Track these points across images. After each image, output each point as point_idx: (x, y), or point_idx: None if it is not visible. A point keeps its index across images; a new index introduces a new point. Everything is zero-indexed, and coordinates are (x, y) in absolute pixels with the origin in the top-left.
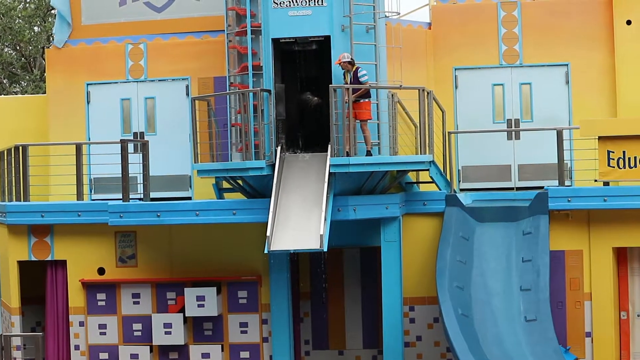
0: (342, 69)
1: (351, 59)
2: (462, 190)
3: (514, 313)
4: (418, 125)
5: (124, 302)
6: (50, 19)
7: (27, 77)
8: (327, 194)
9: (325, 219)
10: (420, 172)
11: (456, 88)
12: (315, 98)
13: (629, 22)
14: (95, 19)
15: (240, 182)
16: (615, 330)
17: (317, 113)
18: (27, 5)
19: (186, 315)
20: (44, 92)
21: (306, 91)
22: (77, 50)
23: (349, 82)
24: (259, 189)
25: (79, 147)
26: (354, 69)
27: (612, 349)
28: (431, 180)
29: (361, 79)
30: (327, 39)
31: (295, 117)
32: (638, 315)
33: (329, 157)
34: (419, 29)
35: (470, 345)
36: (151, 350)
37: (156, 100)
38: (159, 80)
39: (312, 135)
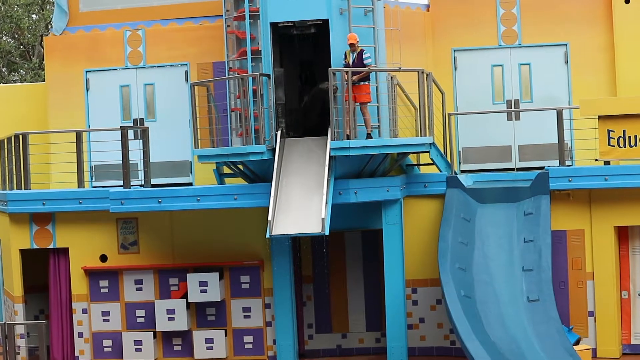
0: (351, 49)
1: (357, 40)
2: (462, 171)
3: (516, 293)
4: (418, 107)
5: (127, 288)
6: (48, 7)
7: (26, 66)
8: (327, 177)
9: (326, 203)
10: (420, 154)
11: (455, 69)
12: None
13: (627, 1)
14: (93, 6)
15: (240, 167)
16: (617, 309)
17: (320, 98)
18: None
19: (189, 301)
20: (43, 80)
21: (309, 72)
22: (75, 37)
23: (350, 63)
24: (259, 174)
25: (79, 135)
26: (359, 50)
27: (614, 328)
28: (432, 162)
29: (365, 62)
30: (325, 22)
31: (296, 101)
32: (639, 295)
33: (329, 140)
34: (417, 11)
35: (473, 326)
36: (154, 337)
37: (155, 86)
38: (158, 67)
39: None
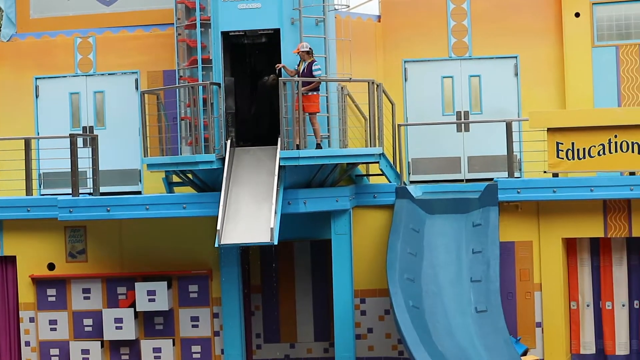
0: (300, 58)
1: (310, 49)
2: (412, 182)
3: (464, 304)
4: (368, 117)
5: (75, 297)
6: None
7: None
8: (277, 187)
9: (275, 213)
10: (370, 164)
11: (405, 81)
12: (272, 76)
13: (577, 15)
14: (44, 13)
15: (190, 175)
16: (566, 320)
17: (270, 107)
18: None
19: (137, 310)
20: None
21: (257, 84)
22: (25, 44)
23: (300, 72)
24: (209, 183)
25: (27, 142)
26: (309, 61)
27: (562, 339)
28: (381, 173)
29: (314, 73)
30: (276, 32)
31: (246, 111)
32: (587, 305)
33: (278, 150)
34: (368, 22)
35: (421, 336)
36: (102, 346)
37: (105, 94)
38: (108, 74)
39: (263, 129)
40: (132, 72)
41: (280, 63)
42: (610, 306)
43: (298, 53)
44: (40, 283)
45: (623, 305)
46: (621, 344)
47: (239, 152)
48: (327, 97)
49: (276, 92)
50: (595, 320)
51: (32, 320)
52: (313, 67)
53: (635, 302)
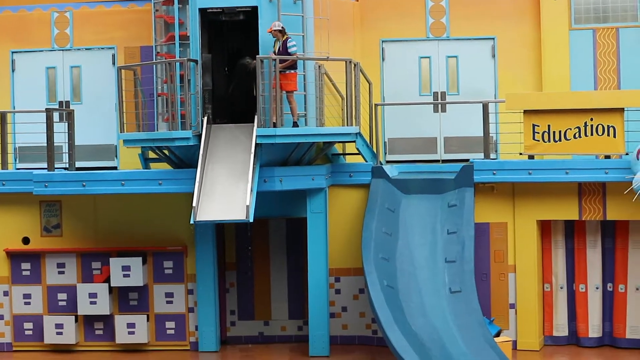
0: (274, 37)
1: (282, 27)
2: (388, 162)
3: (438, 284)
4: (345, 97)
5: (49, 271)
6: None
7: None
8: (253, 164)
9: (251, 190)
10: (346, 143)
11: (383, 60)
12: (254, 61)
13: None
14: None
15: (166, 152)
16: (539, 302)
17: (247, 84)
18: None
19: (111, 285)
20: None
21: (238, 59)
22: (1, 17)
23: (277, 51)
24: (185, 159)
25: (3, 116)
26: (284, 39)
27: (535, 321)
28: (357, 152)
29: (289, 49)
30: (254, 9)
31: (223, 88)
32: (561, 288)
33: (255, 127)
34: (346, 1)
35: (395, 316)
36: (76, 320)
37: (82, 69)
38: (85, 49)
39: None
40: (109, 48)
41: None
42: (584, 289)
43: (271, 32)
44: (14, 257)
45: (597, 288)
46: (594, 326)
47: (216, 129)
48: (304, 75)
49: (255, 74)
50: (568, 303)
51: (6, 294)
52: (288, 44)
53: (609, 284)
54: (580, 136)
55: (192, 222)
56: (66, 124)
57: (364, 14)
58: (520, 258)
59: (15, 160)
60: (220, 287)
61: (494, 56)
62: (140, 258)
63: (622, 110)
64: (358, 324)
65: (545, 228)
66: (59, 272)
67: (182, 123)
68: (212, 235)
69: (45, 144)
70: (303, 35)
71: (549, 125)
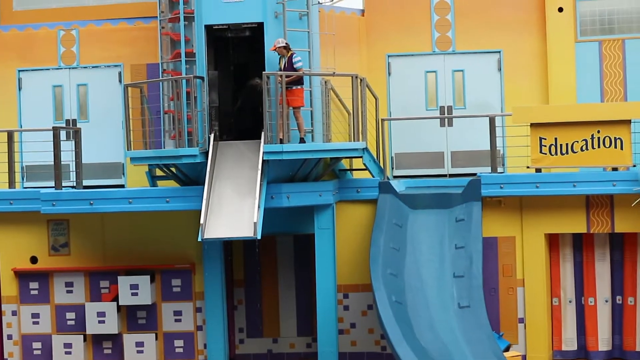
0: (278, 54)
1: (286, 44)
2: (395, 177)
3: (447, 300)
4: (351, 112)
5: (57, 291)
6: None
7: None
8: (260, 181)
9: (258, 207)
10: (353, 159)
11: (389, 75)
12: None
13: (560, 10)
14: (27, 5)
15: (173, 169)
16: (548, 316)
17: (254, 101)
18: None
19: (120, 304)
20: None
21: (244, 75)
22: (8, 36)
23: (282, 68)
24: (192, 177)
25: (10, 135)
26: (289, 55)
27: (544, 335)
28: (364, 168)
29: (295, 65)
30: (260, 25)
31: (230, 104)
32: (570, 301)
33: (262, 144)
34: (352, 16)
35: (404, 331)
36: (85, 340)
37: (89, 87)
38: (92, 67)
39: (247, 123)
40: (116, 65)
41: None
42: (593, 302)
43: (275, 50)
44: (22, 276)
45: (606, 301)
46: (603, 339)
47: (223, 146)
48: (310, 91)
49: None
50: (577, 316)
51: (14, 313)
52: (294, 60)
53: (618, 297)
54: (587, 148)
55: (199, 239)
56: (73, 142)
57: (369, 28)
58: (529, 272)
59: (23, 179)
60: (228, 305)
61: (500, 69)
62: (149, 276)
63: (629, 122)
64: (367, 340)
65: (554, 241)
66: (67, 291)
67: (189, 140)
68: (220, 252)
69: (53, 163)
70: (309, 51)
71: (555, 138)
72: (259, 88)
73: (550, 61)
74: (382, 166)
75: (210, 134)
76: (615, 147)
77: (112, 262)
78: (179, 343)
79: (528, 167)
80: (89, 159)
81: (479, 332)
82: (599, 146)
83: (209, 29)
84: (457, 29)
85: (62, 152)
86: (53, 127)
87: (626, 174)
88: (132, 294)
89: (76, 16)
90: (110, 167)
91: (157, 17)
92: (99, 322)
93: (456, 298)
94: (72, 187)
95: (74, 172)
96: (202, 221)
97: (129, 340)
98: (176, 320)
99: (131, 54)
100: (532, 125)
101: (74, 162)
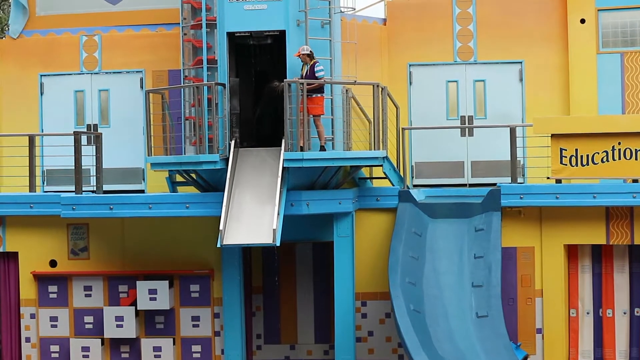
0: (302, 61)
1: (310, 51)
2: (415, 186)
3: (465, 309)
4: (372, 120)
5: (76, 294)
6: (5, 7)
7: None
8: (280, 188)
9: (278, 214)
10: (373, 167)
11: (410, 84)
12: (282, 84)
13: (582, 21)
14: (50, 10)
15: (193, 175)
16: (565, 327)
17: (275, 108)
18: None
19: (138, 309)
20: None
21: (265, 83)
22: (30, 41)
23: (304, 76)
24: (212, 183)
25: (32, 139)
26: (311, 63)
27: (562, 346)
28: (384, 176)
29: (317, 74)
30: (282, 33)
31: (250, 111)
32: (587, 313)
33: (282, 151)
34: (374, 25)
35: (422, 340)
36: (102, 344)
37: (110, 92)
38: (113, 73)
39: (268, 130)
40: (137, 71)
41: (285, 70)
42: (611, 314)
43: (299, 56)
44: (41, 280)
45: (624, 313)
46: (621, 351)
47: (243, 152)
48: (331, 99)
49: (282, 98)
50: (595, 328)
51: (33, 316)
52: (316, 69)
53: (636, 309)
54: (608, 160)
55: (219, 245)
56: (94, 147)
57: (391, 37)
58: (548, 283)
59: (43, 183)
60: (246, 311)
61: (521, 80)
62: (167, 281)
63: None
64: (384, 349)
65: (573, 252)
66: (86, 295)
67: (209, 147)
68: (239, 258)
69: (73, 167)
70: (331, 59)
71: (576, 149)
72: (278, 91)
73: (571, 72)
74: (402, 175)
75: (231, 140)
76: (636, 159)
77: (131, 266)
78: (196, 348)
79: (548, 178)
80: (110, 164)
81: (496, 342)
82: (619, 158)
83: (231, 36)
84: (479, 39)
85: (82, 157)
86: (74, 132)
87: None
88: (151, 299)
89: (98, 22)
90: (131, 172)
91: (179, 23)
92: (117, 326)
93: (474, 307)
94: (92, 191)
95: (95, 177)
96: (221, 227)
97: (147, 344)
98: (194, 326)
99: (153, 60)
100: (552, 136)
101: (94, 167)
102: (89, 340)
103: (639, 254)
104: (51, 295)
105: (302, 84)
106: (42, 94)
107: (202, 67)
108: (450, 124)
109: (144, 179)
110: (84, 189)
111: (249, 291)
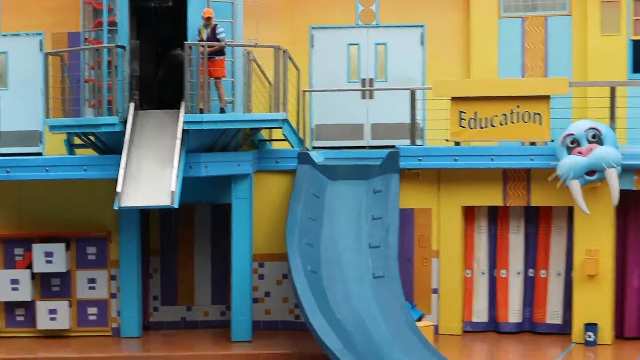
0: (205, 23)
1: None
2: (314, 148)
3: (362, 270)
4: (273, 83)
5: None
6: None
7: None
8: (179, 150)
9: (176, 176)
10: (273, 130)
11: (312, 47)
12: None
13: None
14: None
15: (92, 138)
16: (461, 287)
17: (176, 72)
18: None
19: (34, 271)
20: None
21: (168, 46)
22: None
23: (204, 38)
24: (111, 146)
25: None
26: (212, 26)
27: (456, 306)
28: (284, 138)
29: (218, 36)
30: None
31: (152, 75)
32: (482, 273)
33: (182, 114)
34: None
35: (319, 301)
36: None
37: (9, 54)
38: (12, 35)
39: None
40: (37, 34)
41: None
42: (505, 274)
43: (205, 19)
44: None
45: (518, 273)
46: (514, 311)
47: (143, 115)
48: (232, 62)
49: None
50: (489, 288)
51: None
52: (217, 31)
53: (530, 270)
54: (506, 123)
55: (116, 207)
56: None
57: (293, 1)
58: (444, 243)
59: None
60: (143, 273)
61: (422, 43)
62: (64, 244)
63: (548, 97)
64: (281, 309)
65: (469, 214)
66: None
67: (108, 109)
68: (137, 221)
69: None
70: (232, 22)
71: (475, 112)
72: (181, 59)
73: (472, 36)
74: (301, 137)
75: (130, 103)
76: (534, 122)
77: (28, 229)
78: (92, 310)
79: (447, 140)
80: (7, 127)
81: (392, 302)
82: (518, 121)
83: None
84: (381, 2)
85: None
86: None
87: (544, 148)
88: (47, 262)
89: None
90: (28, 135)
91: None
92: (12, 289)
93: (371, 268)
94: None
95: None
96: (118, 189)
97: (42, 307)
98: (90, 288)
99: (53, 23)
100: (452, 99)
101: None
102: None
103: (535, 215)
104: None
105: (203, 46)
106: None
107: (103, 30)
108: (351, 87)
109: (41, 142)
110: None
111: (146, 253)
